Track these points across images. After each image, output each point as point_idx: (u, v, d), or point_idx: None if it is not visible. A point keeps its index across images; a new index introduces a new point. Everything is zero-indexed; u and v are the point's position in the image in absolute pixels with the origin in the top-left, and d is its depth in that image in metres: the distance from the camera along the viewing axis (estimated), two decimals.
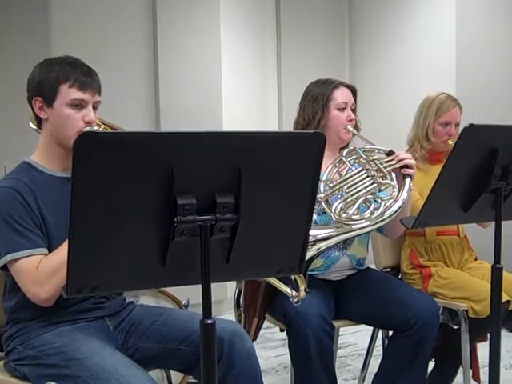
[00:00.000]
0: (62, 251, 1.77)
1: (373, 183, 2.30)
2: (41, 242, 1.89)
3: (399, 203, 2.26)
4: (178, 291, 2.72)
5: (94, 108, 1.98)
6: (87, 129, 1.92)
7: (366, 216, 2.23)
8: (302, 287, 2.07)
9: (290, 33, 5.27)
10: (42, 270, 1.83)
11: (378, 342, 2.89)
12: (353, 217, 2.22)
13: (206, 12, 4.58)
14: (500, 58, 4.36)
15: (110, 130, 2.18)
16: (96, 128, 1.99)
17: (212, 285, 1.39)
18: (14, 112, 2.31)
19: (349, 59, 5.61)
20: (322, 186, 2.33)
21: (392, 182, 2.31)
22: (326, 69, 5.00)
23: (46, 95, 1.94)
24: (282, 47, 5.25)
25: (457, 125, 2.86)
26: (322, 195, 2.30)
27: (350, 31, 5.59)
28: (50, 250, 1.90)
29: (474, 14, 4.51)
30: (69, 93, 1.92)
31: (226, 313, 4.39)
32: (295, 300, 2.10)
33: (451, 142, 2.77)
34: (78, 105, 1.94)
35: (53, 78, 1.93)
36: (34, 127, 2.08)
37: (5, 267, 1.89)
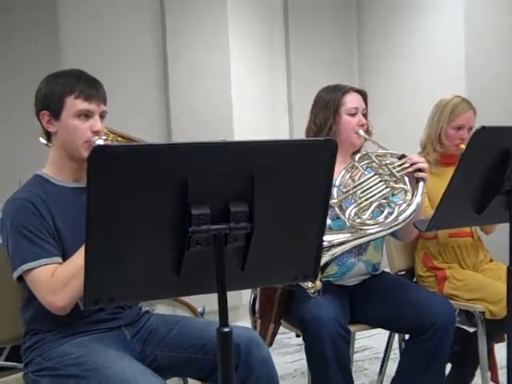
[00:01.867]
0: (77, 259, 1.79)
1: (386, 188, 2.31)
2: (55, 251, 1.91)
3: (413, 207, 2.26)
4: (193, 299, 2.71)
5: (101, 117, 2.00)
6: (100, 141, 1.94)
7: (380, 221, 2.23)
8: (318, 277, 2.06)
9: (298, 39, 5.27)
10: (58, 279, 1.85)
11: (395, 344, 2.88)
12: (367, 222, 2.23)
13: (214, 20, 4.60)
14: (510, 58, 4.35)
15: (120, 140, 2.20)
16: (104, 138, 2.01)
17: (227, 292, 1.40)
18: (27, 126, 2.33)
19: (358, 63, 5.61)
20: (335, 191, 2.34)
21: (405, 186, 2.30)
22: (336, 74, 5.00)
23: (53, 108, 1.97)
24: (291, 53, 5.25)
25: (470, 128, 2.84)
26: (336, 200, 2.30)
27: (358, 35, 5.59)
28: (65, 261, 1.91)
29: (482, 14, 4.49)
30: (75, 104, 1.95)
31: (241, 319, 4.38)
32: (312, 291, 2.10)
33: (463, 146, 2.75)
34: (85, 115, 1.96)
35: (58, 90, 1.96)
36: (45, 142, 2.11)
37: (20, 278, 1.91)
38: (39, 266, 1.87)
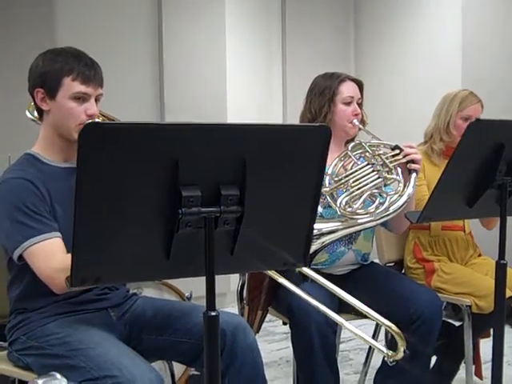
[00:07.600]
0: None
1: (378, 178, 2.30)
2: (56, 227, 1.89)
3: (404, 198, 2.25)
4: (181, 283, 2.73)
5: (96, 100, 1.98)
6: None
7: (371, 211, 2.22)
8: (402, 348, 2.06)
9: (295, 26, 5.25)
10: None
11: (381, 336, 2.88)
12: (358, 211, 2.22)
13: (211, 6, 4.58)
14: (506, 53, 4.35)
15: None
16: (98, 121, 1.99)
17: (215, 277, 1.39)
18: (17, 103, 2.31)
19: (354, 53, 5.60)
20: (327, 180, 2.33)
21: (397, 177, 2.30)
22: (332, 62, 4.99)
23: (49, 87, 1.93)
24: (287, 40, 5.24)
25: None
26: (328, 189, 2.29)
27: (356, 25, 5.58)
28: None
29: (479, 10, 4.49)
30: (72, 86, 1.92)
31: (229, 306, 4.39)
32: (390, 360, 2.08)
33: None
34: (81, 98, 1.93)
35: (56, 70, 1.92)
36: (31, 116, 2.07)
37: (19, 258, 1.87)
38: (41, 241, 1.85)
